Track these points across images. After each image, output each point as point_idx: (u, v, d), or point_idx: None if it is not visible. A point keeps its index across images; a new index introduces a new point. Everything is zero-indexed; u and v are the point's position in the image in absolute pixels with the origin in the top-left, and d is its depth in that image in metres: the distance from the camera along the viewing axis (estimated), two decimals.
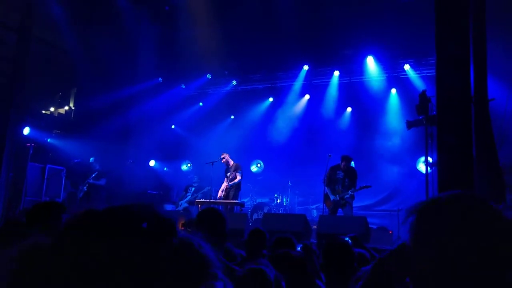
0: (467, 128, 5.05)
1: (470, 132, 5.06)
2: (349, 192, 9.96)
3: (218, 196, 11.24)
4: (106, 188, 12.29)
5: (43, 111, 15.50)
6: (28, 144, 11.99)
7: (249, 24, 12.75)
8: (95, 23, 13.20)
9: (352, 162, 10.44)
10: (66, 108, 16.35)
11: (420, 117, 7.16)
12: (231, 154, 11.50)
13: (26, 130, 12.47)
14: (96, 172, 12.09)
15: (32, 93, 12.84)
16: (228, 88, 15.47)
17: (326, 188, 10.21)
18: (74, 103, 16.18)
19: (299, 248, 3.89)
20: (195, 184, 12.85)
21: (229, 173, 11.25)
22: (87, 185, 12.01)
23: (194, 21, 13.34)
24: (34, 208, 3.42)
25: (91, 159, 12.45)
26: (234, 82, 15.27)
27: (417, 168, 12.33)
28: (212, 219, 3.25)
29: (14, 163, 11.76)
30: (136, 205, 0.74)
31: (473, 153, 5.20)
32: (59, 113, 16.24)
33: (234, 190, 11.00)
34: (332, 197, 10.09)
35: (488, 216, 0.98)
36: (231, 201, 10.82)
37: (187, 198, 12.63)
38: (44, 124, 14.06)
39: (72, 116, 16.00)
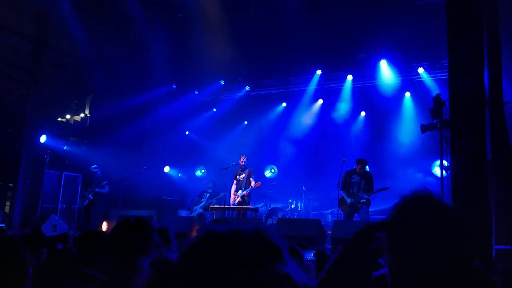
0: (481, 131, 4.97)
1: (484, 135, 4.98)
2: (365, 196, 9.87)
3: (231, 201, 11.24)
4: (109, 194, 12.28)
5: (59, 119, 15.69)
6: (45, 152, 12.13)
7: (262, 30, 12.76)
8: (109, 31, 13.34)
9: (367, 166, 10.36)
10: (82, 115, 16.53)
11: (435, 121, 7.06)
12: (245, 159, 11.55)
13: (43, 138, 12.64)
14: (106, 181, 12.06)
15: (48, 101, 13.01)
16: (241, 94, 15.52)
17: (341, 192, 10.13)
18: (89, 111, 16.35)
19: (312, 255, 3.86)
20: (210, 190, 12.85)
21: (240, 176, 11.27)
22: (92, 193, 11.98)
23: (207, 27, 13.40)
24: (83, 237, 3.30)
25: (93, 166, 12.45)
26: (247, 88, 15.31)
27: (433, 171, 12.20)
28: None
29: (31, 171, 11.95)
30: (247, 231, 0.87)
31: (488, 156, 5.12)
32: (74, 121, 16.42)
33: (249, 195, 11.09)
34: (348, 200, 10.00)
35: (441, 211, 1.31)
36: (246, 207, 10.84)
37: (202, 204, 12.64)
38: (60, 131, 14.22)
39: (88, 123, 16.16)
